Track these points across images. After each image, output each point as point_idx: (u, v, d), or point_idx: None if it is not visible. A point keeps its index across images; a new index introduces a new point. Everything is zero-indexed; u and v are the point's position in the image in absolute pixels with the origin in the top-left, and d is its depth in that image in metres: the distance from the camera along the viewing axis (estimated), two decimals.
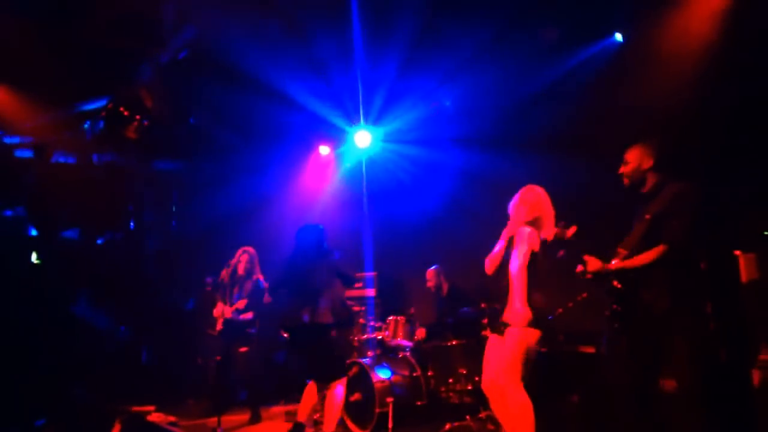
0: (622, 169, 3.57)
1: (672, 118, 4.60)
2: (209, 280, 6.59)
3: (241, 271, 5.80)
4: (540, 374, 3.69)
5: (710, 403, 3.37)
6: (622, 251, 3.42)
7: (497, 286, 3.69)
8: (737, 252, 3.88)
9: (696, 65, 4.81)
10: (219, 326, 5.82)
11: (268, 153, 7.79)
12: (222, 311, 5.77)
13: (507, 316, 3.57)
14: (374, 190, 7.31)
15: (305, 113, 6.83)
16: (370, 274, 6.54)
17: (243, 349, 5.85)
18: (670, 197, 3.34)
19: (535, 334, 3.51)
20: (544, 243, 3.57)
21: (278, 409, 6.17)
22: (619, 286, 3.40)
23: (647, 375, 3.36)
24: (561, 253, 3.47)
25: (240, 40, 5.75)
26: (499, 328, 3.62)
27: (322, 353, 4.57)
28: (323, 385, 4.60)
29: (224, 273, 5.72)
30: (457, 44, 5.67)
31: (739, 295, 3.85)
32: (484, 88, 5.99)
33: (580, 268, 3.46)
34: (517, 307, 3.52)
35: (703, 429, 3.33)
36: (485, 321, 5.09)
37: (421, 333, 5.75)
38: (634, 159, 3.51)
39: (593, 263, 3.41)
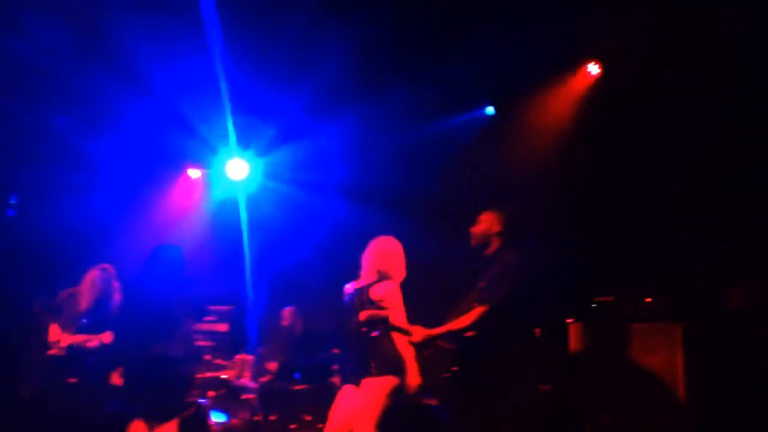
0: (473, 229, 3.66)
1: (527, 190, 4.99)
2: (39, 300, 5.81)
3: (90, 291, 5.19)
4: (390, 425, 3.68)
5: None
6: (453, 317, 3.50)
7: (351, 333, 3.67)
8: (569, 320, 4.22)
9: (554, 144, 5.32)
10: (54, 351, 5.06)
11: (131, 168, 7.28)
12: (59, 337, 5.02)
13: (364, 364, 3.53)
14: (247, 222, 7.10)
15: (176, 132, 6.52)
16: (225, 308, 6.24)
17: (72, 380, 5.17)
18: (503, 261, 3.45)
19: (392, 382, 3.49)
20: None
21: None
22: (449, 347, 3.47)
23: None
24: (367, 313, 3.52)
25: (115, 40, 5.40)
26: (354, 376, 3.57)
27: (162, 390, 4.21)
28: (154, 424, 4.22)
29: (66, 293, 5.11)
30: (340, 89, 5.78)
31: (567, 363, 4.16)
32: (365, 140, 6.13)
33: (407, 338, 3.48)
34: (380, 356, 3.50)
35: None
36: (335, 367, 5.04)
37: (273, 366, 5.56)
38: (486, 222, 3.61)
39: (417, 333, 3.42)
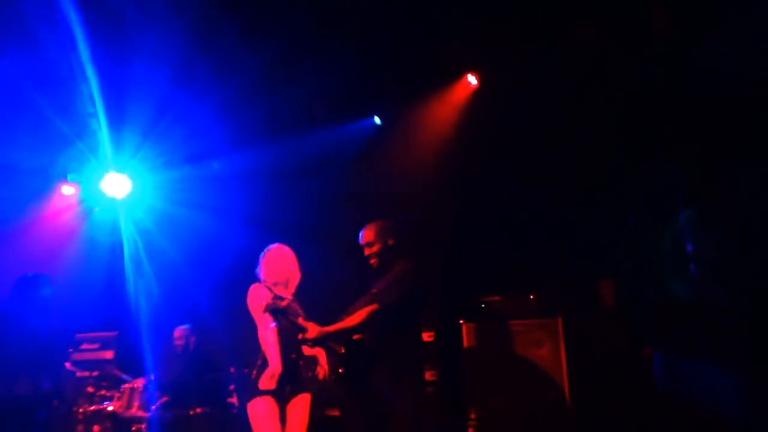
0: (370, 251, 3.63)
1: (414, 198, 5.15)
2: None
3: None
4: None
5: None
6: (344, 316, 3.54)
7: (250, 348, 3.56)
8: (461, 321, 4.43)
9: (437, 153, 5.52)
10: None
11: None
12: None
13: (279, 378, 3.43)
14: (125, 239, 6.66)
15: (44, 146, 6.00)
16: (109, 334, 5.83)
17: None
18: (395, 271, 3.52)
19: (308, 397, 3.51)
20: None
21: None
22: (341, 350, 3.52)
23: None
24: (274, 325, 3.44)
25: None
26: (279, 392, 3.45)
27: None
28: None
29: None
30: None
31: (461, 360, 4.36)
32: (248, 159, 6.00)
33: (300, 335, 3.46)
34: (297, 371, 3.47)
35: None
36: (231, 387, 4.89)
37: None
38: (379, 238, 3.63)
39: (312, 329, 3.41)
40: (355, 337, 3.53)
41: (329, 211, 5.69)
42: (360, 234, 3.74)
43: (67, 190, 6.80)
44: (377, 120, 6.03)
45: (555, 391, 4.15)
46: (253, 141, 5.96)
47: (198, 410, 4.91)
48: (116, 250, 6.66)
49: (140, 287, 6.46)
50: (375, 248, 3.65)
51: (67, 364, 4.97)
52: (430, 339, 4.50)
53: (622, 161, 4.67)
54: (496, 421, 4.19)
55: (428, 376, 4.37)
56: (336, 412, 4.79)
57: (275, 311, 3.34)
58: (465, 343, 4.41)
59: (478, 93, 5.61)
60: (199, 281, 6.14)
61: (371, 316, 3.39)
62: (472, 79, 5.58)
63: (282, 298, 3.48)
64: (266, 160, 6.06)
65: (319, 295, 3.82)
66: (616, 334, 4.25)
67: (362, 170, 5.82)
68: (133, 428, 5.03)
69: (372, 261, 3.69)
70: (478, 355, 4.37)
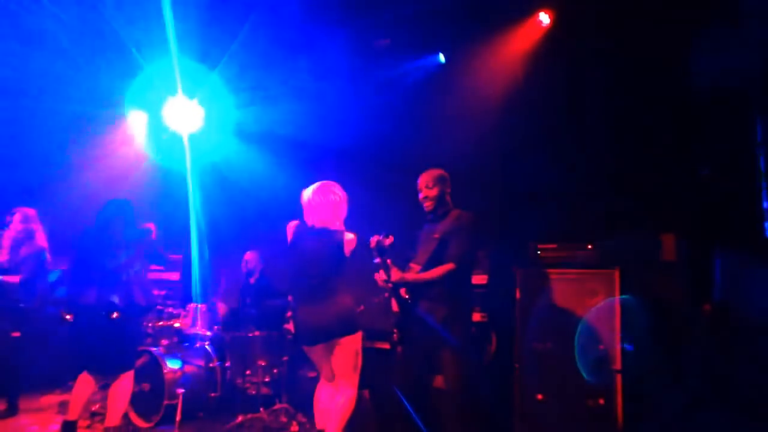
0: (427, 193, 3.82)
1: (474, 141, 5.08)
2: None
3: (12, 231, 5.03)
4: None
5: (470, 399, 3.76)
6: (415, 266, 3.76)
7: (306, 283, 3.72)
8: (515, 269, 4.44)
9: (501, 96, 5.38)
10: None
11: (67, 115, 6.89)
12: None
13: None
14: (195, 169, 6.90)
15: (115, 73, 6.18)
16: (176, 256, 6.18)
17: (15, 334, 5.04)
18: (454, 221, 3.72)
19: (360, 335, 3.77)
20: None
21: (51, 399, 5.51)
22: (407, 296, 3.73)
23: (422, 375, 3.77)
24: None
25: None
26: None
27: (113, 341, 4.17)
28: (107, 376, 4.23)
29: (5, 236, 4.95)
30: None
31: (514, 307, 4.40)
32: (310, 90, 6.01)
33: (382, 275, 3.65)
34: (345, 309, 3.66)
35: (463, 420, 3.70)
36: (289, 314, 5.13)
37: (222, 309, 5.61)
38: (438, 185, 3.81)
39: (396, 273, 3.63)
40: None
41: (388, 151, 5.70)
42: (420, 177, 3.86)
43: (137, 117, 7.06)
44: (442, 58, 5.89)
45: (605, 340, 4.14)
46: (317, 78, 5.94)
47: (256, 333, 5.18)
48: (183, 176, 6.92)
49: (206, 214, 6.74)
50: (432, 192, 3.81)
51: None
52: (483, 282, 4.54)
53: (696, 111, 4.43)
54: (542, 366, 4.25)
55: (477, 317, 4.46)
56: (386, 345, 4.97)
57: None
58: (517, 289, 4.43)
59: (550, 34, 5.36)
60: (262, 213, 6.31)
61: (447, 275, 3.62)
62: (544, 18, 5.33)
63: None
64: (330, 98, 6.05)
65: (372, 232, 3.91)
66: (675, 289, 4.17)
67: (424, 109, 5.76)
68: (197, 344, 5.40)
69: (427, 204, 3.84)
70: (529, 301, 4.39)
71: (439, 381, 3.77)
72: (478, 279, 4.48)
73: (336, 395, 3.71)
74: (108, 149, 7.12)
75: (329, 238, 3.69)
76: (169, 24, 5.47)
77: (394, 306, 3.79)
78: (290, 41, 5.73)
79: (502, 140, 5.17)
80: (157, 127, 7.12)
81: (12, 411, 5.04)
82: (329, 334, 3.66)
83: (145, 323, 5.40)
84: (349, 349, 3.68)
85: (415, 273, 3.73)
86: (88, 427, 4.67)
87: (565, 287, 4.26)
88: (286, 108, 6.31)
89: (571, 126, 4.92)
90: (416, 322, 3.70)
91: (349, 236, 3.73)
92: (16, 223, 5.04)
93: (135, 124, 7.10)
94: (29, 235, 5.07)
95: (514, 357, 4.35)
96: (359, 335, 3.74)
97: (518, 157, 5.03)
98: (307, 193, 3.76)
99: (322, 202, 3.71)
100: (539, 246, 4.46)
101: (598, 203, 4.57)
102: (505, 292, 4.41)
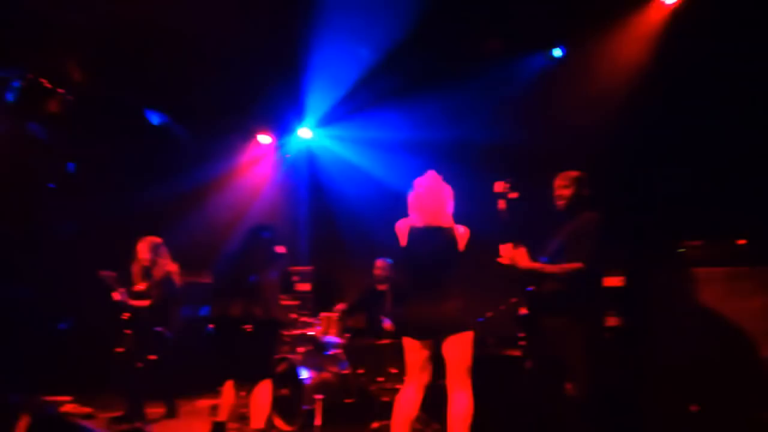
0: (562, 192, 3.75)
1: (598, 137, 4.83)
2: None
3: (144, 261, 5.41)
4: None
5: (602, 408, 3.60)
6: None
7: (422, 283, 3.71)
8: (653, 266, 4.16)
9: (626, 87, 5.08)
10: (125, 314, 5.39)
11: (205, 139, 7.53)
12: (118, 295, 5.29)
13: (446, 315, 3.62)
14: (314, 183, 7.26)
15: (246, 100, 6.65)
16: (307, 268, 6.50)
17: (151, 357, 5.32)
18: (584, 221, 3.63)
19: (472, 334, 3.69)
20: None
21: (204, 403, 6.02)
22: (533, 288, 3.68)
23: (553, 379, 3.63)
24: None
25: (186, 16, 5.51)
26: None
27: (254, 351, 4.49)
28: (249, 383, 4.54)
29: (134, 265, 5.43)
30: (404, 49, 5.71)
31: (649, 309, 4.13)
32: (428, 94, 6.06)
33: (506, 255, 3.62)
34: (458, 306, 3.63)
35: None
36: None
37: (388, 326, 5.67)
38: (574, 186, 3.73)
39: (524, 260, 3.57)
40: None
41: (507, 143, 5.58)
42: (557, 175, 3.81)
43: (264, 139, 7.54)
44: (559, 51, 5.69)
45: (760, 345, 3.75)
46: (429, 78, 5.97)
47: (386, 341, 5.29)
48: (306, 192, 7.30)
49: (330, 227, 7.05)
50: (566, 192, 3.75)
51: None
52: (619, 284, 4.30)
53: None
54: (685, 376, 3.92)
55: (614, 321, 4.23)
56: (516, 353, 4.87)
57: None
58: (655, 290, 4.15)
59: (675, 15, 4.99)
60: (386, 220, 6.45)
61: (575, 274, 3.55)
62: None
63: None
64: (439, 98, 6.06)
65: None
66: None
67: (541, 106, 5.59)
68: (330, 352, 5.63)
69: (560, 203, 3.77)
70: (669, 303, 4.09)
71: (570, 388, 3.63)
72: (614, 281, 4.25)
73: (453, 400, 3.63)
74: (238, 171, 7.70)
75: (443, 236, 3.67)
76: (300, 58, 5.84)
77: (522, 309, 3.70)
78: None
79: (633, 133, 4.88)
80: (283, 147, 7.57)
81: (171, 414, 5.55)
82: (443, 330, 3.62)
83: (281, 332, 5.73)
84: (462, 348, 3.62)
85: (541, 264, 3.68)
86: (238, 429, 5.02)
87: (714, 288, 3.91)
88: (399, 114, 6.42)
89: (707, 113, 4.53)
90: (545, 327, 3.62)
91: (461, 230, 3.71)
92: (143, 251, 5.40)
93: (262, 146, 7.59)
94: (157, 262, 5.40)
95: (656, 364, 4.06)
96: (471, 335, 3.65)
97: (652, 150, 4.72)
98: (414, 191, 3.77)
99: (431, 199, 3.71)
100: (683, 243, 4.13)
101: (747, 194, 4.15)
102: (645, 294, 4.14)
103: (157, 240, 5.51)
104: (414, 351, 3.73)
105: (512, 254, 3.64)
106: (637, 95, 4.93)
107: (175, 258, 5.55)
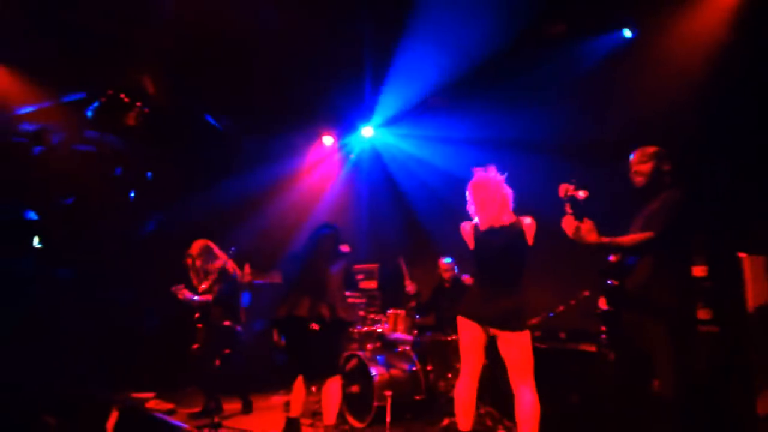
0: (640, 167, 3.53)
1: (676, 117, 4.56)
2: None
3: (198, 262, 5.68)
4: (541, 373, 3.71)
5: (690, 408, 3.36)
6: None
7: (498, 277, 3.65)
8: (742, 254, 3.86)
9: (703, 65, 4.77)
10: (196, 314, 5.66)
11: (269, 142, 7.72)
12: (184, 295, 5.55)
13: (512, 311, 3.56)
14: (378, 181, 7.28)
15: (310, 102, 6.76)
16: (372, 266, 6.53)
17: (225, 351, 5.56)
18: (667, 198, 3.39)
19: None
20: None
21: (278, 399, 6.16)
22: (616, 283, 3.47)
23: (637, 375, 3.42)
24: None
25: (246, 25, 5.67)
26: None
27: (321, 349, 4.54)
28: (316, 380, 4.60)
29: (187, 262, 5.67)
30: (464, 40, 5.61)
31: (740, 299, 3.84)
32: (491, 85, 5.94)
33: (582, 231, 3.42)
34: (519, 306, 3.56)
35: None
36: None
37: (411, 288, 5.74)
38: (651, 161, 3.50)
39: (589, 230, 3.37)
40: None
41: (575, 129, 5.38)
42: (632, 152, 3.60)
43: (327, 140, 7.64)
44: (628, 33, 5.42)
45: None
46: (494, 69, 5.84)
47: (455, 336, 5.21)
48: (369, 191, 7.33)
49: (394, 225, 7.05)
50: (643, 168, 3.53)
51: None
52: (703, 274, 4.04)
53: None
54: None
55: (702, 314, 3.97)
56: (591, 348, 4.68)
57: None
58: (747, 278, 3.86)
59: None
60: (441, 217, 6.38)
61: (644, 242, 3.34)
62: None
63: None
64: (504, 88, 5.92)
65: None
66: None
67: (611, 91, 5.34)
68: (399, 348, 5.62)
69: (637, 180, 3.56)
70: (763, 292, 3.80)
71: (656, 385, 3.43)
72: (698, 271, 3.99)
73: (519, 399, 3.57)
74: (302, 172, 7.85)
75: (507, 234, 3.61)
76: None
77: (602, 304, 3.54)
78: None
79: (714, 114, 4.56)
80: (346, 147, 7.64)
81: (247, 409, 5.72)
82: (501, 324, 3.58)
83: (350, 329, 5.79)
84: (519, 347, 3.57)
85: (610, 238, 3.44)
86: (311, 425, 5.09)
87: None
88: (461, 109, 6.33)
89: None
90: (628, 322, 3.41)
91: (528, 221, 3.63)
92: (200, 250, 5.64)
93: (325, 147, 7.70)
94: (214, 260, 5.62)
95: (750, 360, 3.78)
96: (528, 334, 3.61)
97: (735, 127, 4.40)
98: (473, 192, 3.71)
99: (490, 198, 3.65)
100: None
101: None
102: (733, 283, 3.86)
103: (208, 241, 5.73)
104: (468, 332, 3.70)
105: (578, 228, 3.42)
106: (716, 74, 4.60)
107: (243, 258, 5.74)
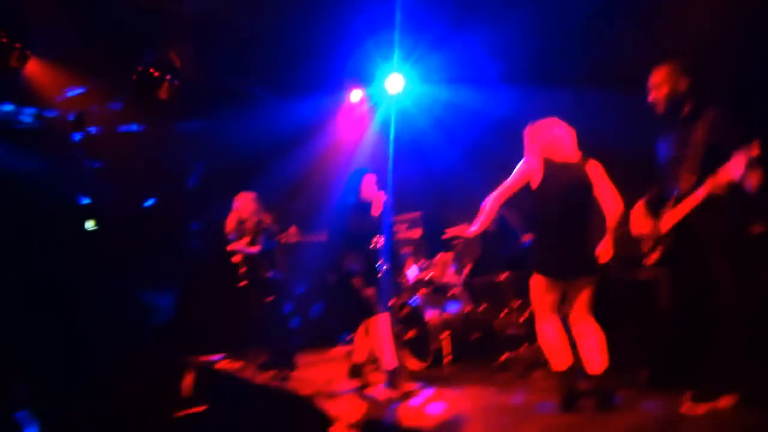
0: (656, 94, 3.31)
1: (708, 38, 4.38)
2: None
3: (243, 215, 5.81)
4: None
5: (752, 327, 3.33)
6: (689, 177, 3.22)
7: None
8: None
9: None
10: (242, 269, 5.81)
11: (296, 100, 7.71)
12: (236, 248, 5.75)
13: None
14: (412, 130, 7.26)
15: (336, 55, 6.72)
16: (414, 215, 6.63)
17: (269, 299, 5.78)
18: (720, 123, 3.14)
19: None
20: None
21: (342, 349, 6.40)
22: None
23: (694, 293, 3.37)
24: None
25: None
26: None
27: (355, 302, 4.74)
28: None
29: (229, 219, 5.82)
30: None
31: None
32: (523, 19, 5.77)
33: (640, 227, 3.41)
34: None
35: (744, 352, 3.30)
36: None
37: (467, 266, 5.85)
38: (668, 81, 3.25)
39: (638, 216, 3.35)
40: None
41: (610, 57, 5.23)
42: (652, 75, 3.36)
43: (356, 95, 7.62)
44: None
45: None
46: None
47: (505, 275, 5.34)
48: (403, 141, 7.31)
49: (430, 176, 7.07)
50: (665, 91, 3.29)
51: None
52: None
53: None
54: None
55: (755, 229, 3.93)
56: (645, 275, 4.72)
57: None
58: None
59: None
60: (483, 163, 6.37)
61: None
62: None
63: None
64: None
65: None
66: None
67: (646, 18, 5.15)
68: (448, 293, 5.79)
69: (660, 106, 3.33)
70: None
71: (717, 301, 3.41)
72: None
73: (583, 333, 3.70)
74: (332, 128, 7.88)
75: (578, 173, 3.65)
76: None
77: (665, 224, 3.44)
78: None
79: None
80: (374, 98, 7.61)
81: (291, 367, 5.72)
82: (580, 272, 3.67)
83: (398, 279, 5.93)
84: (590, 287, 3.69)
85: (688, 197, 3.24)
86: (376, 369, 5.34)
87: None
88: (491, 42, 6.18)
89: None
90: (688, 243, 3.31)
91: (593, 163, 3.66)
92: (241, 207, 5.81)
93: (355, 98, 7.68)
94: (254, 214, 5.78)
95: None
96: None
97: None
98: (543, 131, 3.72)
99: (564, 136, 3.67)
100: None
101: None
102: None
103: (251, 194, 5.87)
104: (544, 291, 3.76)
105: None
106: None
107: (285, 219, 5.95)
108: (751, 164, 2.98)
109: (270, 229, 5.79)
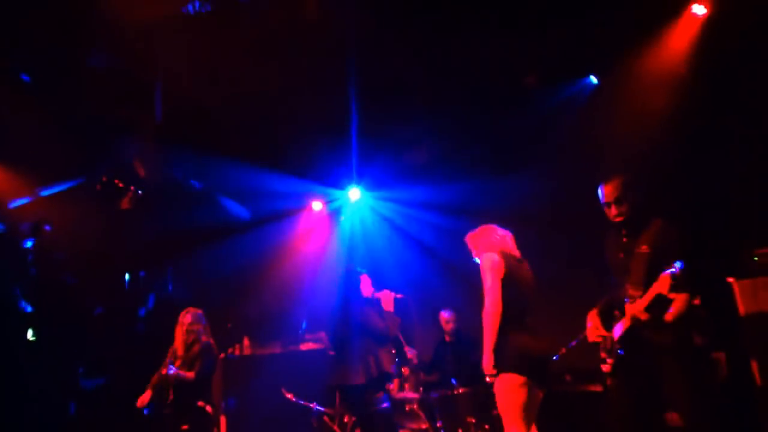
0: (618, 210, 3.37)
1: (645, 154, 4.71)
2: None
3: (183, 333, 5.23)
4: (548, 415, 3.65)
5: None
6: (633, 289, 3.29)
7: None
8: (731, 279, 3.92)
9: (667, 101, 5.00)
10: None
11: (259, 212, 7.79)
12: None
13: None
14: (365, 241, 7.36)
15: (299, 173, 6.93)
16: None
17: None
18: (662, 234, 3.28)
19: None
20: None
21: None
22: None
23: (647, 411, 3.30)
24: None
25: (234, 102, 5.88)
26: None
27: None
28: None
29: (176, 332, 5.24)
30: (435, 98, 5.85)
31: (737, 323, 3.87)
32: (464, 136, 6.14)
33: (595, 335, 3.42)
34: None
35: None
36: None
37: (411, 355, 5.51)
38: (629, 191, 3.36)
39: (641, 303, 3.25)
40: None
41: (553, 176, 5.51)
42: (600, 191, 3.45)
43: (317, 205, 7.77)
44: (594, 79, 5.69)
45: None
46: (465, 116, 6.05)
47: (461, 390, 5.18)
48: (360, 251, 7.40)
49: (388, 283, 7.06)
50: (626, 206, 3.37)
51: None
52: (696, 302, 4.09)
53: None
54: None
55: (698, 340, 3.99)
56: (599, 388, 4.66)
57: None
58: (739, 305, 3.92)
59: (710, 24, 4.92)
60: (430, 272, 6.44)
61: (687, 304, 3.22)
62: (699, 9, 4.93)
63: None
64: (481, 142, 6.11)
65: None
66: None
67: (584, 133, 5.54)
68: (407, 407, 5.53)
69: (618, 219, 3.40)
70: (756, 317, 3.85)
71: (674, 418, 3.38)
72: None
73: None
74: (298, 237, 7.91)
75: (529, 267, 3.67)
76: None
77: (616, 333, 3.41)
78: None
79: (680, 143, 4.75)
80: (335, 210, 7.78)
81: None
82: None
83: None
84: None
85: (638, 305, 3.27)
86: None
87: None
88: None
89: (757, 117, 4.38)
90: (639, 351, 3.29)
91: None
92: (187, 322, 5.23)
93: (315, 213, 7.81)
94: (200, 333, 5.22)
95: (755, 384, 3.78)
96: None
97: (701, 158, 4.57)
98: (487, 232, 3.76)
99: (508, 234, 3.75)
100: (756, 252, 3.91)
101: None
102: (723, 309, 3.91)
103: (199, 311, 5.35)
104: (528, 389, 3.43)
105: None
106: (679, 108, 4.83)
107: (244, 331, 5.67)
108: (674, 282, 3.07)
109: (212, 352, 5.23)
